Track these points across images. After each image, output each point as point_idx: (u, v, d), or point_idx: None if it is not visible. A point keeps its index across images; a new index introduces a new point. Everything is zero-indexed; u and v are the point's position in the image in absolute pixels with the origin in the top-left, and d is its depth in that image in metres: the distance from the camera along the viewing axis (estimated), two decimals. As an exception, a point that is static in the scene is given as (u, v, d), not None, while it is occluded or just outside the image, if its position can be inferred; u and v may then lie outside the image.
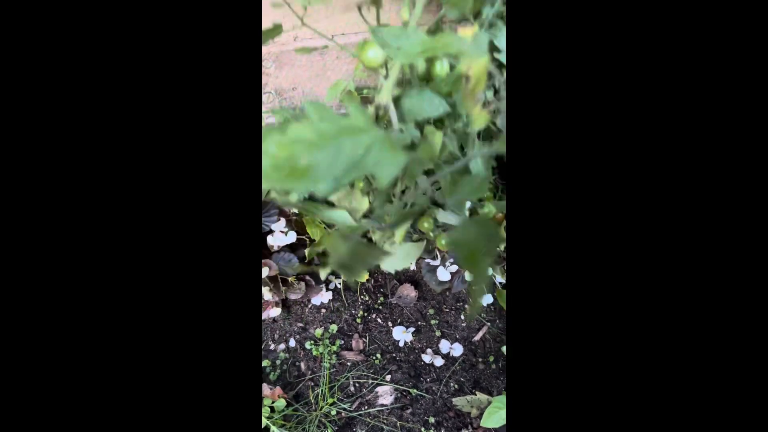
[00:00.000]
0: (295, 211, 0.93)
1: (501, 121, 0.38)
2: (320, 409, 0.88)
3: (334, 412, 0.88)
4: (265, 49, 1.07)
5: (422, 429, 0.87)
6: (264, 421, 0.81)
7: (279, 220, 0.90)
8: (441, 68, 0.40)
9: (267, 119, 1.13)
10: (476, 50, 0.30)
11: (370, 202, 0.52)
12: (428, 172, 0.44)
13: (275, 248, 0.93)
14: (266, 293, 0.90)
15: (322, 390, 0.90)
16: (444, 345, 0.96)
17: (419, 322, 0.99)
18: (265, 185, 0.26)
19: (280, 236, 0.90)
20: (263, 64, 1.04)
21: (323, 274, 0.79)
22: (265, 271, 0.87)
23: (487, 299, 0.98)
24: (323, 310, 1.01)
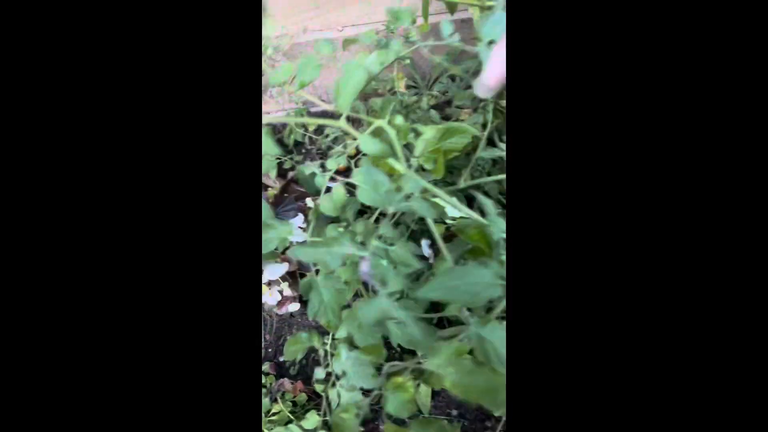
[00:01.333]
0: (312, 206, 0.93)
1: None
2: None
3: (355, 406, 0.88)
4: (275, 42, 1.06)
5: (445, 421, 0.87)
6: (288, 416, 0.82)
7: (297, 215, 0.90)
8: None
9: (274, 113, 1.13)
10: None
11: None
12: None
13: (293, 244, 0.92)
14: (285, 289, 0.90)
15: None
16: (463, 337, 0.96)
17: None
18: None
19: (298, 232, 0.90)
20: (273, 57, 1.03)
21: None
22: (284, 267, 0.86)
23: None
24: (341, 305, 1.01)
